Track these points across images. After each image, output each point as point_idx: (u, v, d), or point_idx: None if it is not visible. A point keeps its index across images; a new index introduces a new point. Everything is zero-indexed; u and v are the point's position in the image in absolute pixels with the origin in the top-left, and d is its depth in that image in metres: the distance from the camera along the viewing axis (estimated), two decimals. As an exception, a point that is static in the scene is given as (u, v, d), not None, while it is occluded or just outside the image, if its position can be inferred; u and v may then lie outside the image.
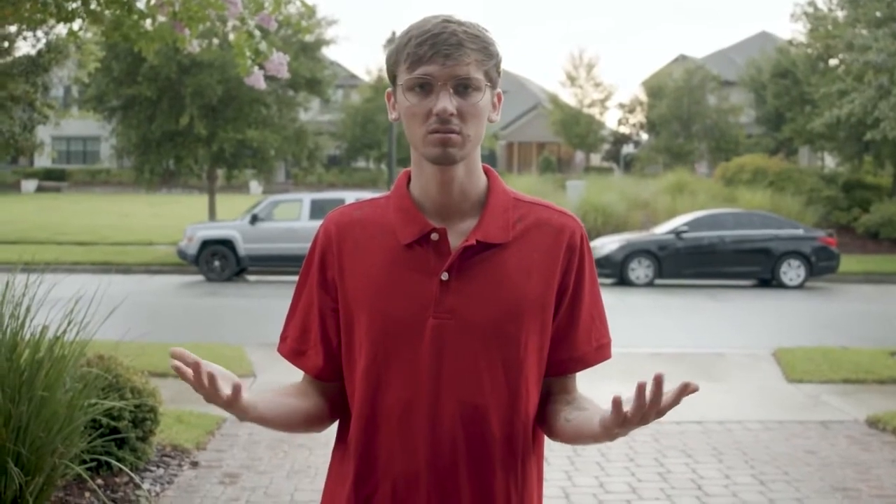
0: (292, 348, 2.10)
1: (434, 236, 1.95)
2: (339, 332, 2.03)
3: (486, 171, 2.05)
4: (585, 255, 2.05)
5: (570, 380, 2.12)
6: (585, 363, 2.09)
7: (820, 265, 21.13)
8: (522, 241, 2.00)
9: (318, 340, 2.06)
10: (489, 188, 2.03)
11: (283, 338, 2.12)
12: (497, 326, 1.95)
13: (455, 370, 1.94)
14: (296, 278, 2.15)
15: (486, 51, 1.92)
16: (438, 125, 1.88)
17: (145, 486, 5.71)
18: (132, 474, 5.61)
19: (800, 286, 20.83)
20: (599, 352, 2.12)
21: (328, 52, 28.97)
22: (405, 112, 1.93)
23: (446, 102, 1.87)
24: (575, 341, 2.07)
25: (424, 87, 1.88)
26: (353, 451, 2.00)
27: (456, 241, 1.96)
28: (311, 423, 2.07)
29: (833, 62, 32.58)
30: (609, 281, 21.16)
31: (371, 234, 2.00)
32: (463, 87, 1.89)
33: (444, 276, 1.94)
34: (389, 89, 2.00)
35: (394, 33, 24.52)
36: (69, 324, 5.04)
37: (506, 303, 1.96)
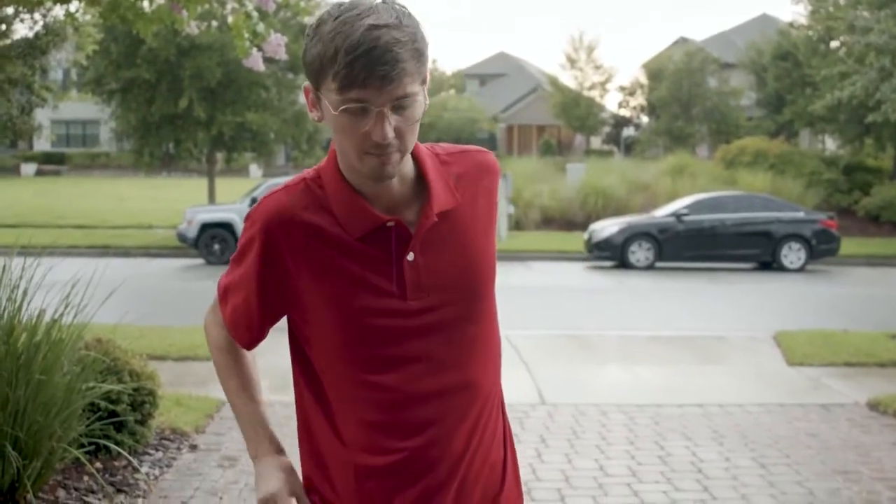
0: (233, 321, 2.09)
1: (390, 224, 1.90)
2: (280, 318, 2.04)
3: None
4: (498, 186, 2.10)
5: None
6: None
7: (820, 248, 21.12)
8: (465, 196, 1.99)
9: (256, 327, 2.06)
10: (419, 161, 1.96)
11: (224, 302, 2.10)
12: (470, 288, 1.97)
13: (442, 342, 1.94)
14: None
15: (419, 55, 1.79)
16: (376, 151, 1.80)
17: (144, 469, 5.69)
18: (131, 458, 5.59)
19: (800, 269, 20.82)
20: None
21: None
22: (335, 126, 1.81)
23: (386, 129, 1.77)
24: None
25: (360, 109, 1.77)
26: (347, 431, 1.98)
27: (409, 222, 1.92)
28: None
29: (834, 44, 32.51)
30: (609, 264, 21.17)
31: (317, 228, 1.91)
32: (402, 106, 1.78)
33: (410, 257, 1.91)
34: (307, 84, 1.86)
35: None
36: (67, 307, 5.02)
37: (472, 263, 1.97)
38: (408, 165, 1.92)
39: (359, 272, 1.90)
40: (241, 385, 2.12)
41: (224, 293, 2.09)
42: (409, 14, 1.80)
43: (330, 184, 1.93)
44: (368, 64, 1.72)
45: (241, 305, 2.04)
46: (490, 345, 2.04)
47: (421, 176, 1.94)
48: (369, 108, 1.76)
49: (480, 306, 2.00)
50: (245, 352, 2.15)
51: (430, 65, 1.86)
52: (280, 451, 2.08)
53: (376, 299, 1.90)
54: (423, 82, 1.84)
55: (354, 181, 1.91)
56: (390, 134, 1.77)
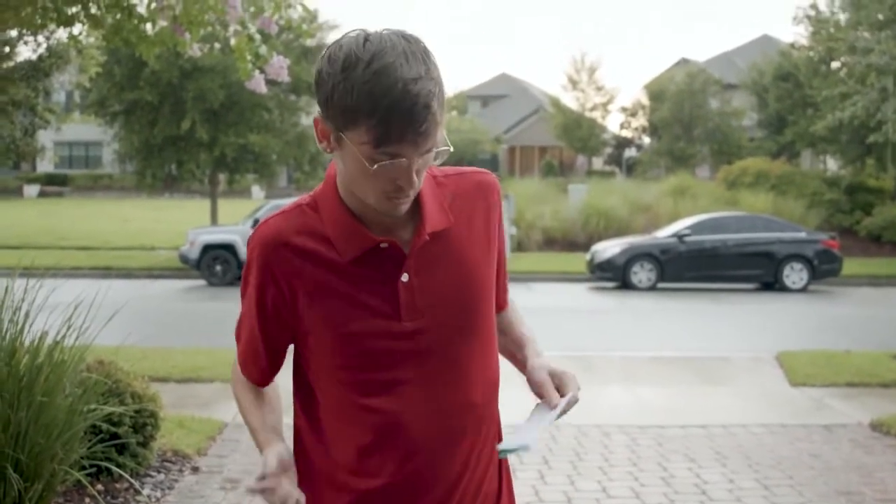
0: (244, 357, 2.11)
1: (384, 245, 1.91)
2: (285, 347, 2.06)
3: None
4: (501, 206, 2.10)
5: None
6: (507, 301, 2.22)
7: (822, 268, 21.11)
8: (461, 216, 2.00)
9: (263, 358, 2.07)
10: None
11: (238, 338, 2.12)
12: (466, 309, 1.97)
13: (438, 364, 1.94)
14: None
15: (442, 98, 1.80)
16: (397, 194, 1.82)
17: (146, 491, 5.68)
18: (132, 480, 5.58)
19: (802, 289, 20.81)
20: (507, 294, 2.24)
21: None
22: (357, 170, 1.81)
23: (413, 178, 1.80)
24: (501, 286, 2.16)
25: (393, 163, 1.77)
26: (342, 457, 1.99)
27: (403, 243, 1.93)
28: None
29: (835, 65, 32.58)
30: (611, 284, 21.16)
31: (311, 252, 1.92)
32: (428, 152, 1.80)
33: (405, 278, 1.92)
34: (319, 116, 1.85)
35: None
36: (69, 329, 5.02)
37: (468, 283, 1.98)
38: None
39: (353, 294, 1.90)
40: (262, 420, 2.09)
41: (238, 330, 2.11)
42: (429, 52, 1.80)
43: (326, 208, 1.94)
44: (408, 123, 1.72)
45: (248, 339, 2.06)
46: (487, 367, 2.04)
47: (416, 198, 1.95)
48: (403, 161, 1.77)
49: (477, 327, 2.00)
50: (268, 392, 2.14)
51: None
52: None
53: (371, 321, 1.90)
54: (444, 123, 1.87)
55: (354, 206, 1.92)
56: (416, 180, 1.81)
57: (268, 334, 2.02)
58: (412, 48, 1.76)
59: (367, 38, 1.77)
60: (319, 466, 2.02)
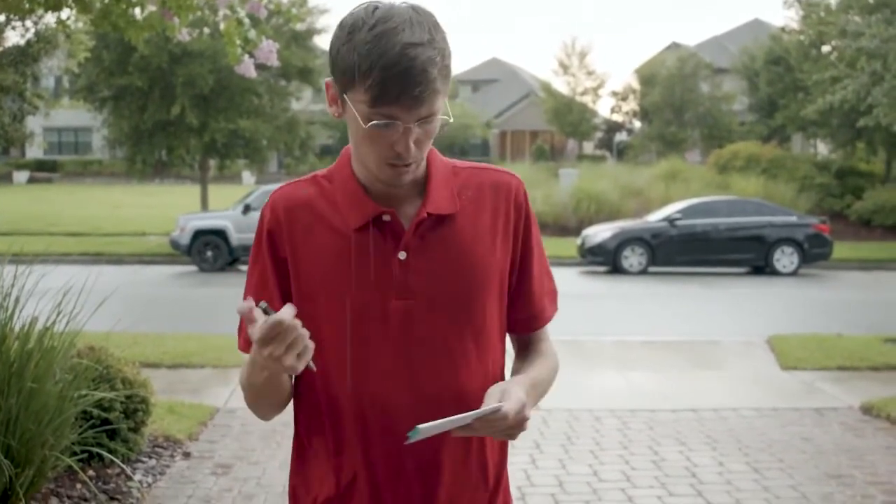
0: (248, 341, 1.95)
1: (386, 217, 1.92)
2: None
3: None
4: (530, 211, 2.06)
5: (534, 337, 2.14)
6: (543, 318, 2.13)
7: (813, 252, 21.16)
8: (471, 208, 1.99)
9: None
10: (428, 164, 1.99)
11: (239, 330, 2.02)
12: (461, 299, 1.95)
13: (425, 349, 1.92)
14: None
15: (447, 71, 1.82)
16: (396, 161, 1.85)
17: (137, 477, 5.68)
18: (123, 466, 5.58)
19: (793, 273, 20.86)
20: (553, 305, 2.16)
21: (320, 41, 28.81)
22: (359, 133, 1.84)
23: (409, 144, 1.82)
24: (531, 298, 2.09)
25: (388, 124, 1.80)
26: (329, 439, 1.97)
27: (406, 220, 1.94)
28: (284, 404, 2.02)
29: (826, 49, 32.57)
30: (602, 269, 21.18)
31: (320, 217, 1.96)
32: (426, 122, 1.82)
33: (402, 256, 1.92)
34: (330, 80, 1.89)
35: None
36: (59, 315, 5.01)
37: (467, 274, 1.95)
38: (420, 168, 1.96)
39: (352, 263, 1.91)
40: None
41: (240, 326, 2.05)
42: (438, 26, 1.83)
43: (339, 178, 1.99)
44: (403, 84, 1.75)
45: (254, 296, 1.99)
46: (485, 361, 2.01)
47: (426, 178, 1.97)
48: (397, 124, 1.80)
49: (472, 321, 1.97)
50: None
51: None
52: None
53: (361, 293, 1.91)
54: (446, 94, 1.88)
55: (363, 178, 1.95)
56: (413, 149, 1.83)
57: (281, 289, 1.98)
58: (419, 18, 1.80)
59: (377, 6, 1.81)
60: (312, 455, 2.02)
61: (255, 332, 1.69)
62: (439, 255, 1.94)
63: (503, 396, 1.84)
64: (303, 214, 1.96)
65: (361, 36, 1.77)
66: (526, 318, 2.10)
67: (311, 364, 1.78)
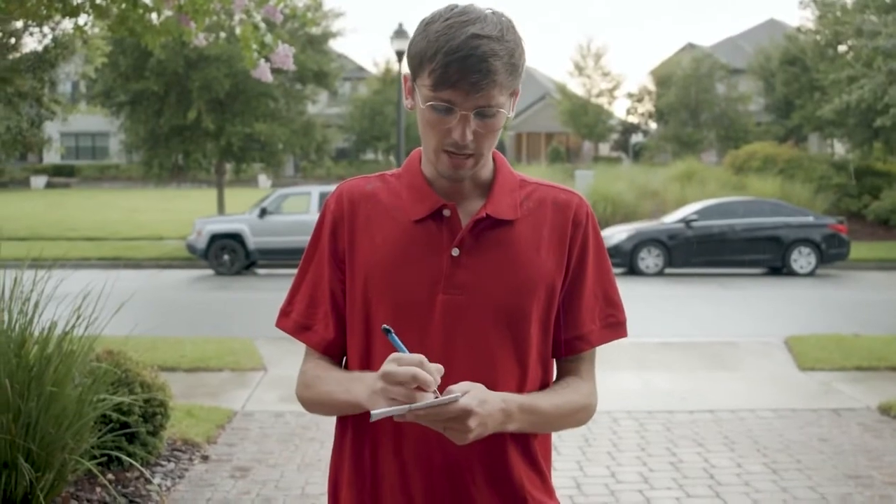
0: (297, 322, 2.07)
1: (446, 212, 1.96)
2: (342, 296, 2.04)
3: (493, 155, 2.06)
4: (590, 232, 2.05)
5: (579, 361, 2.09)
6: (590, 342, 2.07)
7: (830, 252, 21.08)
8: (531, 219, 2.01)
9: (328, 313, 2.04)
10: (496, 170, 2.04)
11: (284, 312, 2.08)
12: (507, 302, 1.95)
13: (465, 346, 1.93)
14: None
15: (513, 69, 1.87)
16: (453, 149, 1.89)
17: (156, 480, 5.71)
18: (143, 469, 5.60)
19: (810, 274, 20.78)
20: (607, 331, 2.10)
21: (335, 45, 28.95)
22: (422, 119, 1.91)
23: (466, 131, 1.86)
24: (579, 319, 2.05)
25: (446, 109, 1.86)
26: (359, 430, 1.99)
27: (466, 219, 1.97)
28: None
29: (842, 48, 32.44)
30: (619, 270, 21.11)
31: (382, 208, 2.01)
32: (485, 114, 1.86)
33: (455, 252, 1.95)
34: (407, 73, 1.97)
35: (401, 25, 24.41)
36: (78, 319, 5.03)
37: (516, 279, 1.96)
38: (486, 170, 2.02)
39: (409, 251, 1.96)
40: (342, 374, 2.01)
41: (289, 298, 2.09)
42: (513, 28, 1.89)
43: (406, 175, 2.04)
44: (462, 69, 1.81)
45: (310, 294, 2.05)
46: (519, 371, 1.97)
47: (491, 182, 2.02)
48: (454, 110, 1.85)
49: (513, 327, 1.96)
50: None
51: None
52: None
53: (411, 283, 1.94)
54: (513, 94, 1.93)
55: (430, 174, 2.00)
56: (469, 137, 1.87)
57: (334, 283, 2.02)
58: (495, 18, 1.87)
59: (458, 5, 1.90)
60: (349, 450, 2.04)
61: (399, 373, 1.73)
62: (491, 256, 1.96)
63: (469, 391, 1.77)
64: (367, 206, 2.02)
65: (435, 26, 1.86)
66: (569, 339, 2.06)
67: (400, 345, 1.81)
